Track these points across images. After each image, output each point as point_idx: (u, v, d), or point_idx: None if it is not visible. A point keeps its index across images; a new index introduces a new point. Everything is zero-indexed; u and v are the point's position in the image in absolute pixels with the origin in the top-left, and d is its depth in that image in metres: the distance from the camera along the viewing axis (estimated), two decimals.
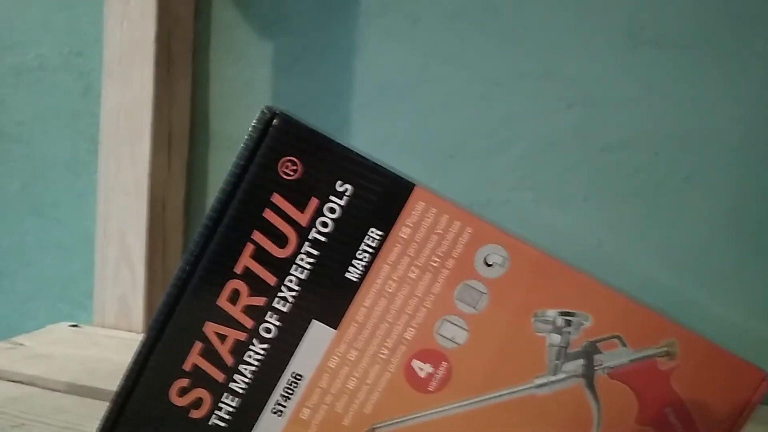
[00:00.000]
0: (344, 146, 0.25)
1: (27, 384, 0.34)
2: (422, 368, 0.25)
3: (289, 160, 0.24)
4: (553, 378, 0.25)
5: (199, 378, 0.24)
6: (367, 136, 0.47)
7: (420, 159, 0.47)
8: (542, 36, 0.44)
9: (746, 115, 0.41)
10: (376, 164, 0.25)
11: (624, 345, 0.25)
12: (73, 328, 0.45)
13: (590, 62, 0.43)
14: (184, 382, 0.25)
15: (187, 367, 0.25)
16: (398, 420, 0.25)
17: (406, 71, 0.47)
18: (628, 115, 0.43)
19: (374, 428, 0.25)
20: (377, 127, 0.47)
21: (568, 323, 0.25)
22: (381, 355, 0.25)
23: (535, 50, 0.44)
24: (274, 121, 0.24)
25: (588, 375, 0.25)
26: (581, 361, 0.25)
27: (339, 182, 0.24)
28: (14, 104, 0.56)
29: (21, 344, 0.40)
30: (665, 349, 0.25)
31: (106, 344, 0.42)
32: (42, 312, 0.56)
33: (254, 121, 0.24)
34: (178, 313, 0.25)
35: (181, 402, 0.25)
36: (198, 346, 0.25)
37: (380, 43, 0.47)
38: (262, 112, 0.24)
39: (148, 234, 0.46)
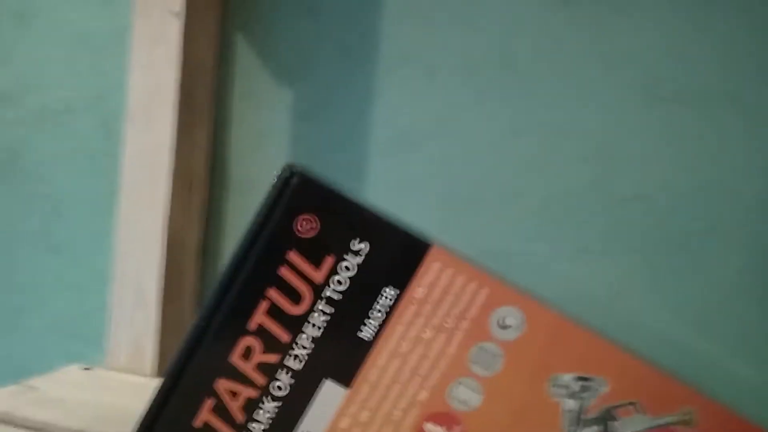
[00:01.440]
0: (361, 204, 0.25)
1: (39, 431, 0.34)
2: (435, 431, 0.24)
3: (306, 219, 0.24)
4: None
5: None
6: (384, 184, 0.48)
7: (436, 208, 0.47)
8: (559, 90, 0.44)
9: (766, 169, 0.41)
10: (393, 223, 0.25)
11: (641, 412, 0.24)
12: (86, 370, 0.45)
13: (607, 116, 0.44)
14: None
15: (197, 423, 0.24)
16: None
17: (424, 121, 0.47)
18: (645, 168, 0.43)
19: None
20: (394, 175, 0.48)
21: (585, 389, 0.24)
22: (393, 417, 0.24)
23: (552, 103, 0.45)
24: (293, 179, 0.24)
25: None
26: (597, 428, 0.24)
27: (354, 240, 0.24)
28: (37, 145, 0.57)
29: (33, 387, 0.40)
30: (683, 417, 0.24)
31: (119, 389, 0.42)
32: (54, 349, 0.56)
33: (274, 178, 0.24)
34: (191, 368, 0.24)
35: None
36: (209, 402, 0.24)
37: (398, 93, 0.48)
38: (283, 169, 0.25)
39: (163, 277, 0.46)
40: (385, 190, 0.47)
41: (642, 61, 0.43)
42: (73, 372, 0.45)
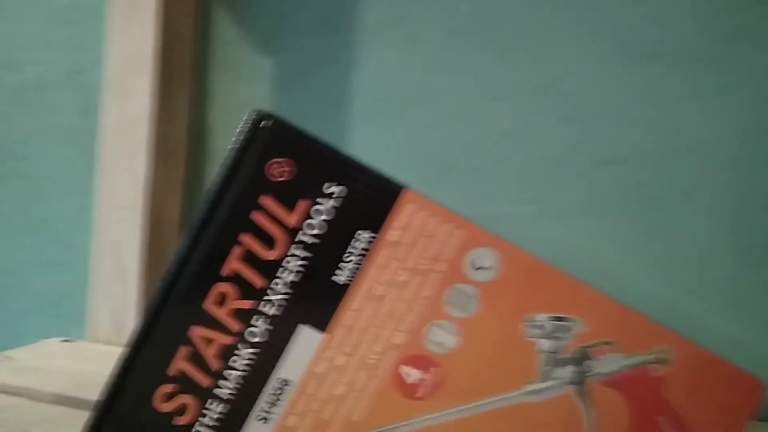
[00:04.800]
0: (333, 148, 0.25)
1: (14, 395, 0.33)
2: (411, 374, 0.24)
3: (278, 162, 0.24)
4: (544, 385, 0.24)
5: (184, 383, 0.24)
6: (366, 150, 0.48)
7: (419, 172, 0.47)
8: (541, 52, 0.44)
9: (744, 129, 0.41)
10: (365, 166, 0.25)
11: (616, 351, 0.24)
12: (65, 342, 0.45)
13: (588, 77, 0.44)
14: (169, 387, 0.24)
15: (172, 372, 0.24)
16: (387, 428, 0.24)
17: (405, 86, 0.47)
18: (625, 129, 0.43)
19: None
20: (376, 140, 0.48)
21: (560, 328, 0.24)
22: (369, 361, 0.24)
23: (533, 66, 0.45)
24: (264, 122, 0.24)
25: (579, 382, 0.24)
26: (573, 368, 0.24)
27: (328, 184, 0.24)
28: (13, 122, 0.56)
29: (10, 357, 0.40)
30: (657, 355, 0.24)
31: (97, 358, 0.42)
32: (35, 328, 0.55)
33: (243, 122, 0.24)
34: (164, 316, 0.24)
35: (165, 408, 0.24)
36: (184, 350, 0.24)
37: (379, 58, 0.47)
38: (251, 113, 0.24)
39: (142, 248, 0.46)
40: (368, 157, 0.47)
41: (620, 23, 0.43)
42: (51, 344, 0.45)
